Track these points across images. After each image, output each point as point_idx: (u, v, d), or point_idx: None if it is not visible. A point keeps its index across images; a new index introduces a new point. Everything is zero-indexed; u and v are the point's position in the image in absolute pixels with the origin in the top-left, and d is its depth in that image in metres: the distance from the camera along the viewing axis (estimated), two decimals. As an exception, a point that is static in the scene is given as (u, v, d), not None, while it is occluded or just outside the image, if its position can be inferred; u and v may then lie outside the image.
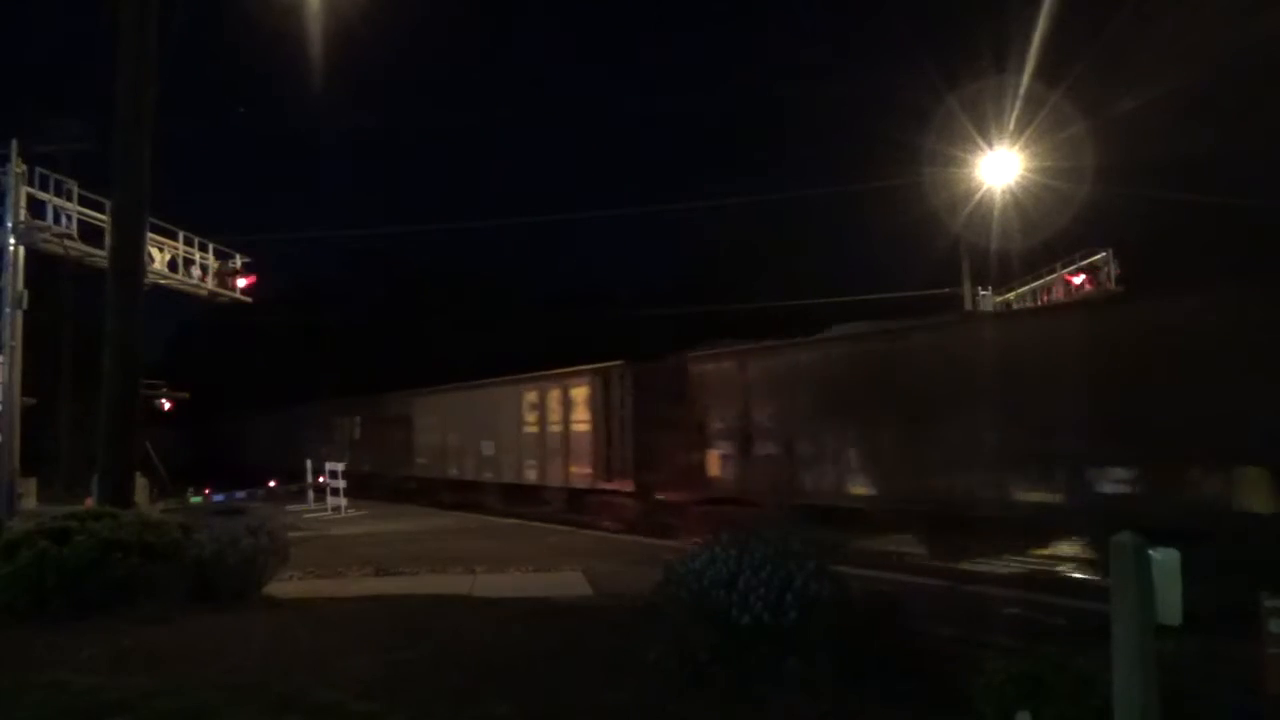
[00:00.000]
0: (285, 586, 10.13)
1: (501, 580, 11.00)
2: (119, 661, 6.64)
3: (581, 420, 19.23)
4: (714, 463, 15.36)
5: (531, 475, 20.98)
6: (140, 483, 15.98)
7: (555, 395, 20.26)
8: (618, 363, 18.66)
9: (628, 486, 17.58)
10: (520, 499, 21.46)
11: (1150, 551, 3.58)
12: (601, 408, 18.58)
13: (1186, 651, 4.10)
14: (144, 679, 6.07)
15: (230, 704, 5.50)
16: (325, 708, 5.42)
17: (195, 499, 21.51)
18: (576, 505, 19.25)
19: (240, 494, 22.71)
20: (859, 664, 5.49)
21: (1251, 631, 4.44)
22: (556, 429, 20.11)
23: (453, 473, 24.61)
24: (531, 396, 21.20)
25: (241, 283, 22.07)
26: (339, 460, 23.97)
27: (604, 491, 18.35)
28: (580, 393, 19.30)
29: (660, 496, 16.73)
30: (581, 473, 19.09)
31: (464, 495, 23.68)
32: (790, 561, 5.93)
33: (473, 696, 5.59)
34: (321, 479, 22.78)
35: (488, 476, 22.96)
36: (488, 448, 22.86)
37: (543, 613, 8.35)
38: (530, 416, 21.19)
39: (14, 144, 16.74)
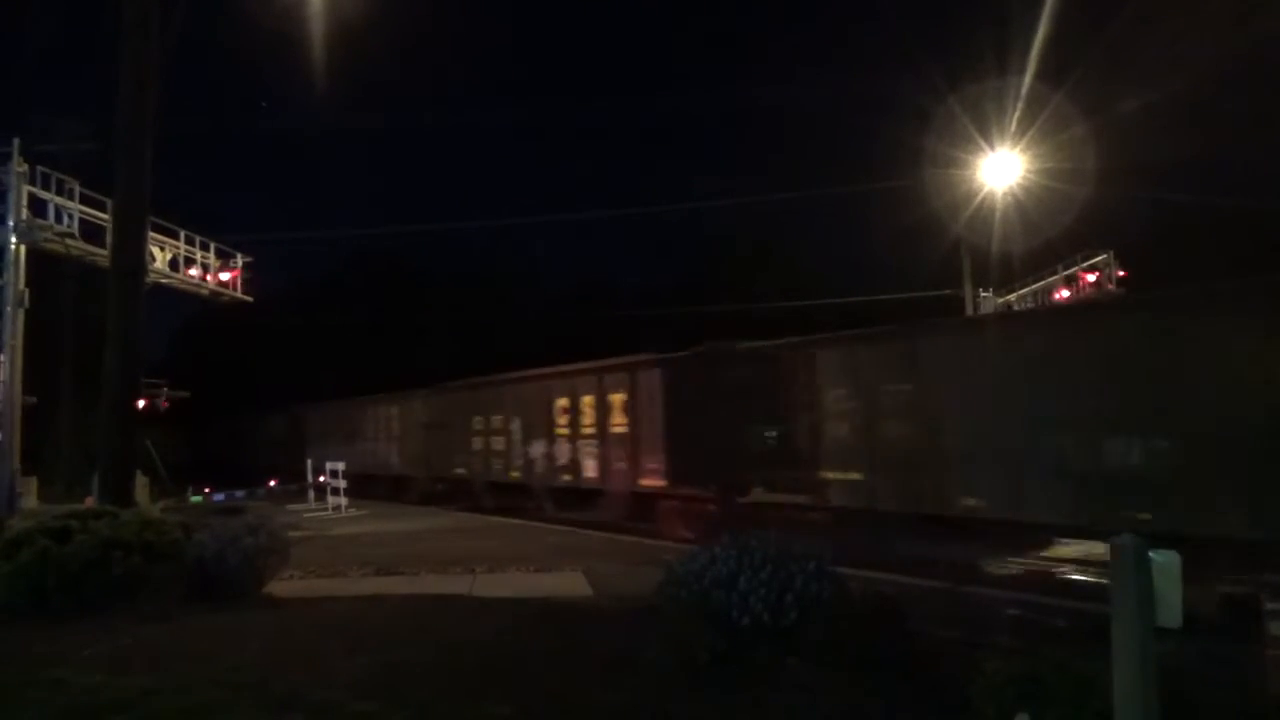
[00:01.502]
0: (285, 586, 10.12)
1: (502, 580, 10.98)
2: (119, 660, 6.64)
3: None
4: None
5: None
6: (141, 481, 16.02)
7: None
8: None
9: None
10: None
11: (1150, 553, 3.57)
12: None
13: (1187, 653, 4.09)
14: (144, 678, 6.07)
15: (230, 703, 5.51)
16: (325, 707, 5.42)
17: (195, 498, 21.53)
18: None
19: (240, 493, 22.71)
20: (859, 665, 5.49)
21: (1253, 633, 4.44)
22: None
23: (852, 499, 12.39)
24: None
25: (242, 281, 22.14)
26: (584, 466, 18.98)
27: None
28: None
29: None
30: None
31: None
32: (790, 562, 5.93)
33: (473, 696, 5.59)
34: (322, 478, 22.78)
35: (982, 510, 10.66)
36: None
37: (543, 613, 8.35)
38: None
39: (15, 143, 16.79)
